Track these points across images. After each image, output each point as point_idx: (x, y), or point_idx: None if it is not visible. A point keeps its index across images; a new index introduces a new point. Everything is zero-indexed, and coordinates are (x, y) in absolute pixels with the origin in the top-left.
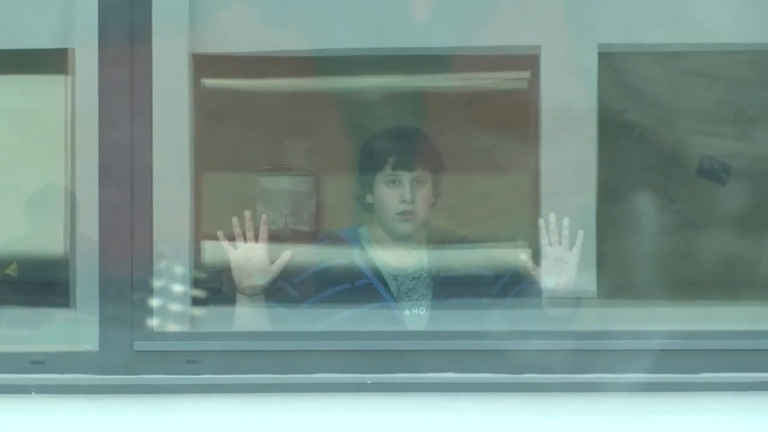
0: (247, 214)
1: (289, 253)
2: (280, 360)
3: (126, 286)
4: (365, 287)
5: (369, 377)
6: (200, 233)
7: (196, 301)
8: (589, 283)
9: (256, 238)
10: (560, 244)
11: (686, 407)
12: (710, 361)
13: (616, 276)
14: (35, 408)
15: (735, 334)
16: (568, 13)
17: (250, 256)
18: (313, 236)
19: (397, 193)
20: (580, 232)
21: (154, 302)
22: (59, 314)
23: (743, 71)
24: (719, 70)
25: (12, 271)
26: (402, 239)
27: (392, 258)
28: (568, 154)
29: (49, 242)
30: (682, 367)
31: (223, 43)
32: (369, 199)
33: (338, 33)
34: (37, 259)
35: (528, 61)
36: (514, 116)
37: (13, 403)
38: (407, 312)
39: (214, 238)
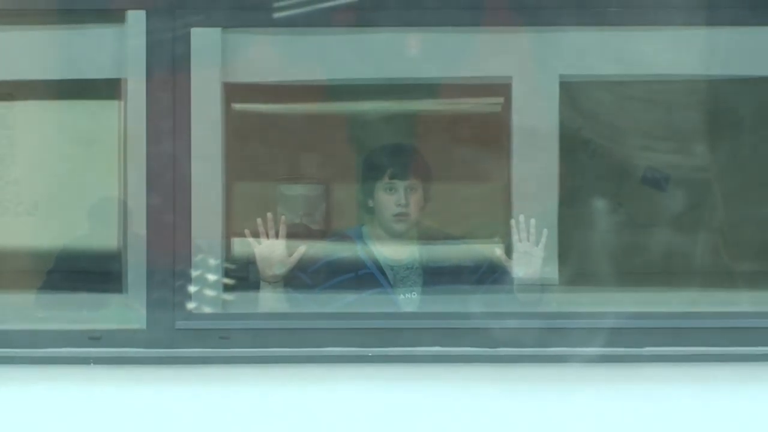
0: (269, 215)
1: (304, 248)
2: (296, 336)
3: (169, 275)
4: (367, 276)
5: (370, 350)
6: (230, 231)
7: (227, 288)
8: (552, 272)
9: (277, 235)
10: (528, 240)
11: (633, 376)
12: (653, 337)
13: (574, 266)
14: (93, 376)
15: (673, 314)
16: (534, 50)
17: (272, 250)
18: (324, 234)
19: (393, 198)
20: (545, 230)
21: (192, 288)
22: (114, 299)
23: (677, 97)
24: (658, 96)
25: (86, 255)
26: (397, 236)
27: (389, 252)
28: (534, 166)
29: (106, 239)
30: (630, 342)
31: (249, 73)
32: (370, 203)
33: (344, 65)
34: (97, 253)
35: (501, 89)
36: (489, 134)
37: (74, 372)
38: (402, 296)
39: (242, 235)
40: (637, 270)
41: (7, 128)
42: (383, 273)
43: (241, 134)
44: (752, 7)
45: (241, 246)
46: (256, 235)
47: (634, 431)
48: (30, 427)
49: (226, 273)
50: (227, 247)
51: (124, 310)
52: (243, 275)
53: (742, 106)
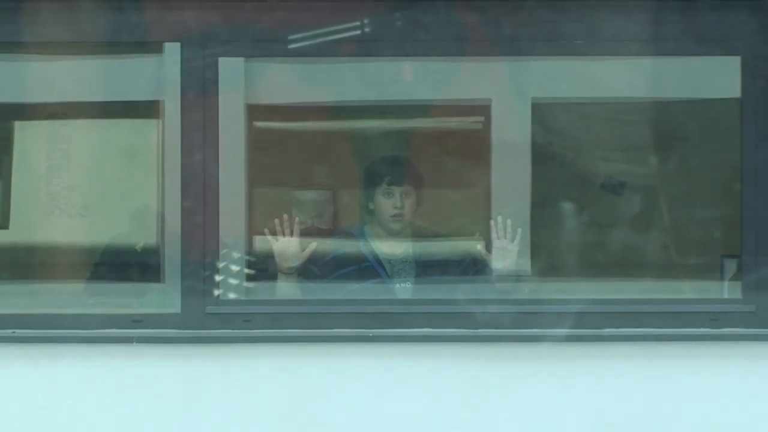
0: (285, 216)
1: (314, 244)
2: (308, 319)
3: (199, 267)
4: (368, 268)
5: (371, 331)
6: (252, 230)
7: (249, 278)
8: (525, 265)
9: (291, 234)
10: (505, 237)
11: (595, 353)
12: (611, 320)
13: (544, 260)
14: (135, 353)
15: (629, 300)
16: (510, 77)
17: (287, 246)
18: (331, 232)
19: (390, 202)
20: (519, 229)
21: (220, 278)
22: (153, 287)
23: (630, 116)
24: (614, 115)
25: (138, 248)
26: (394, 234)
27: (387, 247)
28: (510, 174)
29: (146, 236)
30: (592, 324)
31: (268, 96)
32: (371, 206)
33: (349, 89)
34: (139, 249)
35: (482, 109)
36: (472, 148)
37: (119, 350)
38: (397, 286)
39: (262, 233)
40: (598, 263)
41: (63, 143)
42: (382, 265)
43: (261, 147)
44: (693, 40)
45: (261, 242)
46: (273, 233)
47: (596, 401)
48: (81, 396)
49: (249, 265)
50: (249, 243)
51: (162, 297)
52: (263, 267)
53: (685, 123)
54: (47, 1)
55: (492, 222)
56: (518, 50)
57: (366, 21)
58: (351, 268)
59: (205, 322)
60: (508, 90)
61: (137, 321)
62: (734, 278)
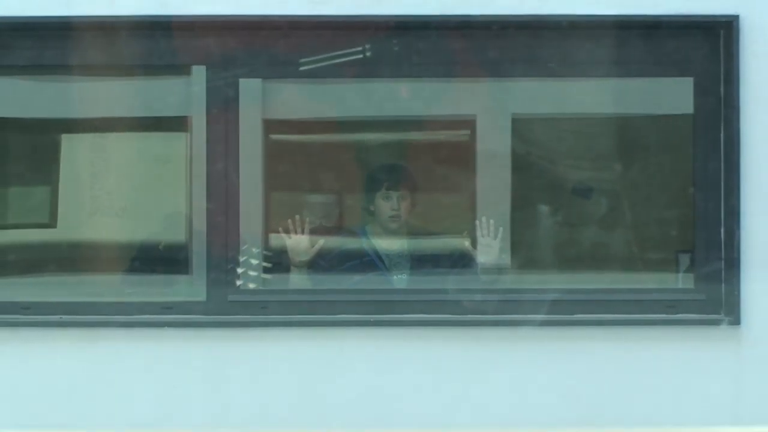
0: (297, 217)
1: (323, 241)
2: (317, 306)
3: (223, 261)
4: (369, 262)
5: (371, 317)
6: (268, 229)
7: (265, 270)
8: (506, 259)
9: (302, 232)
10: (488, 235)
11: (567, 336)
12: (581, 307)
13: (523, 255)
14: (166, 336)
15: (596, 290)
16: (493, 95)
17: (299, 243)
18: (337, 231)
19: (389, 204)
20: (501, 228)
21: (240, 270)
22: (182, 278)
23: (598, 129)
24: (584, 128)
25: (168, 244)
26: (392, 233)
27: (385, 244)
28: (493, 180)
29: (176, 234)
30: (564, 311)
31: (282, 112)
32: (371, 208)
33: (353, 105)
34: (169, 245)
35: (469, 124)
36: (461, 157)
37: (152, 334)
38: (395, 277)
39: (277, 231)
40: (569, 257)
41: (103, 152)
42: (381, 260)
43: (276, 157)
44: (652, 63)
45: (276, 239)
46: (287, 231)
47: (567, 377)
48: (118, 374)
49: (265, 259)
50: (266, 240)
51: (190, 286)
52: (277, 261)
53: (645, 136)
54: (91, 30)
55: (477, 222)
56: (499, 72)
57: (367, 46)
58: (354, 261)
59: (228, 308)
60: (491, 107)
61: (168, 308)
62: (688, 271)
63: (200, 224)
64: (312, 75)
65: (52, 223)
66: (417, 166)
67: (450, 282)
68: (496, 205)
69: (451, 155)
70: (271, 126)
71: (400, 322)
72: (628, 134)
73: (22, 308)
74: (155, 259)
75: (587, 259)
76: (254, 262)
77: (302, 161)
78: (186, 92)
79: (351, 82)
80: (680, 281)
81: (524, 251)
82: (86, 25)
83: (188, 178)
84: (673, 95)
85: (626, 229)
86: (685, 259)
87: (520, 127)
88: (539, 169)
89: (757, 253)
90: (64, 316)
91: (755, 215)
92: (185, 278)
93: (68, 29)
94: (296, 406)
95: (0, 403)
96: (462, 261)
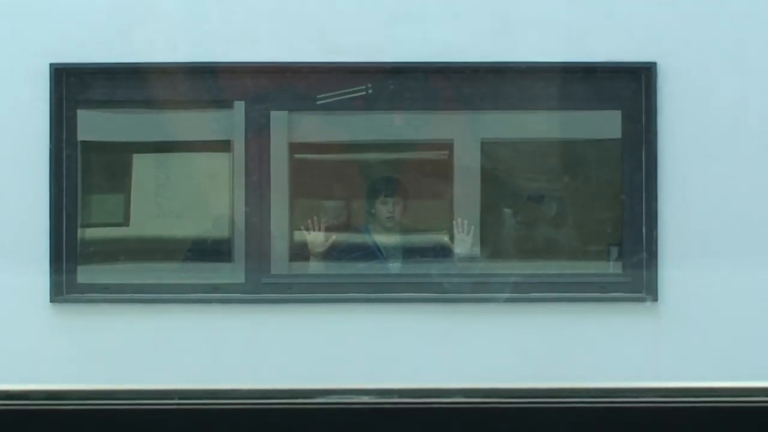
0: (315, 218)
1: (334, 236)
2: (330, 287)
3: (258, 252)
4: (370, 253)
5: (372, 296)
6: (293, 227)
7: (291, 259)
8: (476, 251)
9: (319, 229)
10: (463, 232)
11: (525, 311)
12: (536, 288)
13: (490, 247)
14: (214, 311)
15: (548, 275)
16: (466, 123)
17: (316, 238)
18: (346, 228)
19: (386, 208)
20: (472, 227)
21: (272, 259)
22: (226, 266)
23: (547, 150)
24: (537, 149)
25: (210, 241)
26: (388, 230)
27: (383, 239)
28: (467, 190)
29: (222, 232)
30: (523, 291)
31: (304, 136)
32: (372, 211)
33: (359, 131)
34: (216, 240)
35: (448, 146)
36: (441, 172)
37: (202, 309)
38: (390, 265)
39: (300, 229)
40: (527, 249)
41: (165, 169)
42: (380, 251)
43: (299, 171)
44: (591, 99)
45: (299, 235)
46: (307, 228)
47: (524, 342)
48: (174, 343)
49: (291, 251)
50: (291, 236)
51: (232, 272)
52: (300, 252)
53: (585, 155)
54: (157, 73)
55: (454, 221)
56: (472, 105)
57: (369, 85)
58: (359, 252)
59: (262, 289)
60: (465, 133)
61: (215, 289)
62: (617, 260)
63: (240, 224)
64: (327, 108)
65: (125, 223)
66: (408, 179)
67: (433, 268)
68: (469, 209)
69: (434, 170)
70: (295, 148)
71: (394, 299)
72: (571, 154)
73: (102, 288)
74: (205, 250)
75: (540, 251)
76: (282, 252)
77: (319, 175)
78: (229, 121)
79: (357, 113)
80: (611, 268)
81: (491, 244)
82: (153, 69)
83: (231, 188)
84: (605, 124)
85: (570, 227)
86: (615, 251)
87: (488, 148)
88: (503, 181)
89: (671, 246)
90: (134, 294)
91: (669, 217)
92: (228, 265)
93: (139, 72)
94: (314, 365)
95: (85, 363)
96: (443, 252)
